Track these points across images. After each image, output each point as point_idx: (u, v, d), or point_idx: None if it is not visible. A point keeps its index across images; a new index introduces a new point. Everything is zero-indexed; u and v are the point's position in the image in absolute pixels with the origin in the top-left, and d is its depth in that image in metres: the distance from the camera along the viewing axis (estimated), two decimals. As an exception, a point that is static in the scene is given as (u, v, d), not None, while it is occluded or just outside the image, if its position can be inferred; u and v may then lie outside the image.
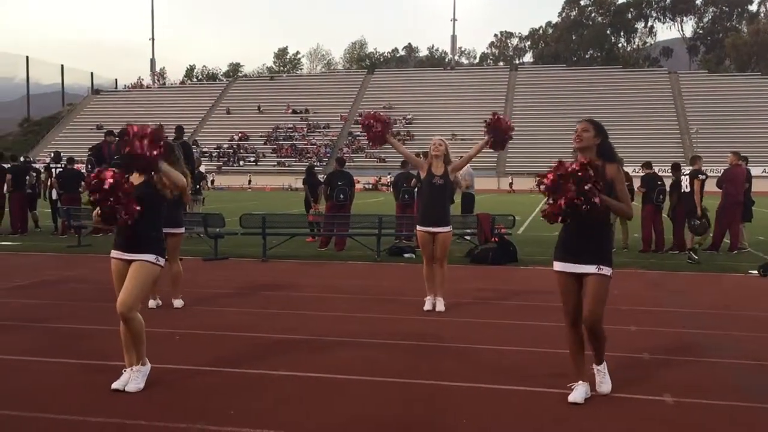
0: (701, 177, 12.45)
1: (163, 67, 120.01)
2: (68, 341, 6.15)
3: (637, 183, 13.70)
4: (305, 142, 70.98)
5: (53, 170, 16.58)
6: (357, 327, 6.77)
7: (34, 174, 16.71)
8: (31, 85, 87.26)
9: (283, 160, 68.36)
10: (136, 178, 4.73)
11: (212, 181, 59.88)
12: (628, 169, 14.30)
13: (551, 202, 4.31)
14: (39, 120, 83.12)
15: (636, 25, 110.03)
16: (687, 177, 12.77)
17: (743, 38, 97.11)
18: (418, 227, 7.51)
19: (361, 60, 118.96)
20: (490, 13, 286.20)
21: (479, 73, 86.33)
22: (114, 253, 4.80)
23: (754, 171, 15.20)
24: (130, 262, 4.72)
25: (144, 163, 4.49)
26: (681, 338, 6.48)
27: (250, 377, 5.08)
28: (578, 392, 4.51)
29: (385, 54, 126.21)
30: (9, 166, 16.33)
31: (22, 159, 17.43)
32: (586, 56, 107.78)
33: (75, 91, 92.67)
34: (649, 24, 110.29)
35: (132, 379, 4.68)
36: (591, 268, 4.45)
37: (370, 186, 59.49)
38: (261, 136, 73.10)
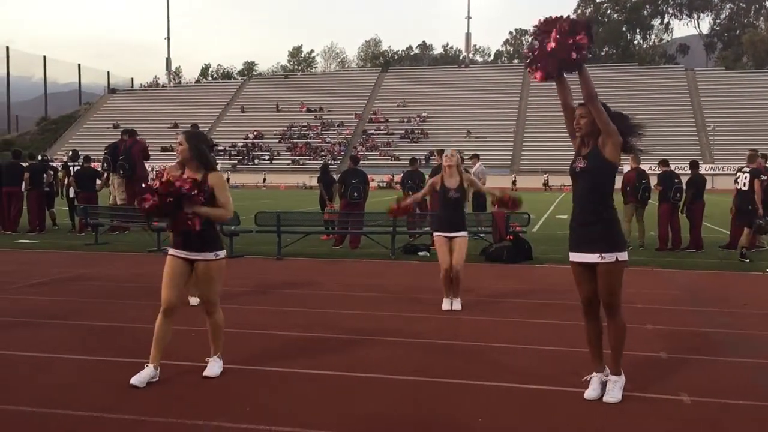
0: (763, 178, 12.23)
1: (179, 66, 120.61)
2: (87, 338, 6.19)
3: (653, 181, 13.60)
4: (319, 141, 71.10)
5: (71, 168, 16.72)
6: (372, 325, 6.77)
7: (52, 172, 16.86)
8: (48, 84, 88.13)
9: (297, 158, 68.51)
10: (193, 176, 4.78)
11: (227, 180, 60.16)
12: (645, 167, 14.24)
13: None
14: (56, 119, 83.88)
15: (652, 22, 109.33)
16: (744, 174, 12.53)
17: (761, 35, 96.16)
18: (435, 233, 7.62)
19: (375, 58, 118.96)
20: (505, 11, 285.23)
21: (494, 71, 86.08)
22: (173, 251, 4.86)
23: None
24: (190, 261, 4.83)
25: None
26: (698, 337, 6.43)
27: (265, 375, 5.09)
28: (593, 386, 4.54)
29: (400, 52, 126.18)
30: (27, 164, 16.49)
31: (39, 157, 17.56)
32: (602, 54, 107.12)
33: (92, 90, 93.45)
34: (666, 21, 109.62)
35: (210, 366, 4.97)
36: (594, 257, 4.43)
37: (385, 184, 59.42)
38: (276, 135, 73.30)
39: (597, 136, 4.47)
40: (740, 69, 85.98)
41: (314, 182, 18.03)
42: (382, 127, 72.31)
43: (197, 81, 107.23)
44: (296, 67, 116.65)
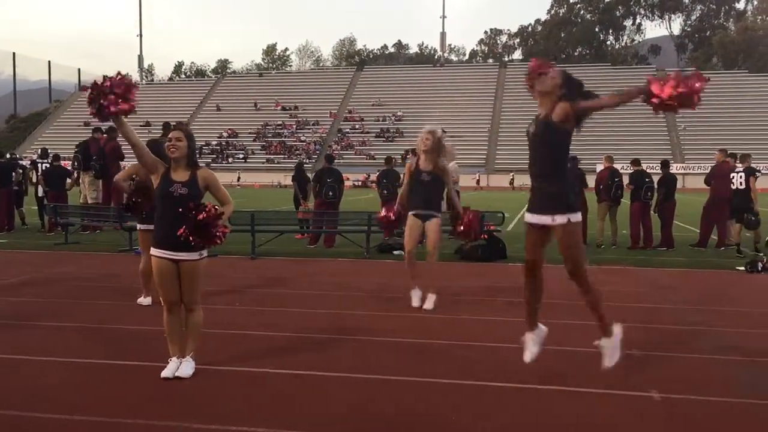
0: (757, 174, 12.79)
1: (152, 64, 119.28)
2: (57, 340, 6.10)
3: (626, 180, 13.77)
4: (294, 139, 70.84)
5: (39, 166, 16.45)
6: (346, 324, 6.75)
7: (21, 171, 16.58)
8: (18, 81, 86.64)
9: (272, 157, 68.20)
10: (179, 174, 4.85)
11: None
12: (617, 166, 14.40)
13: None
14: (26, 116, 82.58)
15: (624, 23, 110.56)
16: (739, 174, 12.91)
17: (730, 36, 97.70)
18: (409, 213, 7.41)
19: (351, 57, 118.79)
20: (480, 11, 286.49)
21: (469, 71, 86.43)
22: (156, 252, 4.89)
23: (741, 168, 15.24)
24: (175, 261, 4.85)
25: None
26: (669, 334, 6.51)
27: (239, 375, 5.05)
28: (528, 347, 4.91)
29: (375, 51, 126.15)
30: (-5, 162, 16.19)
31: (8, 156, 17.27)
32: (575, 54, 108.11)
33: (62, 88, 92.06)
34: (638, 21, 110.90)
35: (184, 365, 4.94)
36: (547, 219, 4.70)
37: (360, 183, 59.42)
38: (250, 133, 72.90)
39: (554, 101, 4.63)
40: (710, 70, 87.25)
41: (289, 181, 17.96)
42: (357, 126, 72.27)
43: (170, 79, 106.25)
44: (271, 65, 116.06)
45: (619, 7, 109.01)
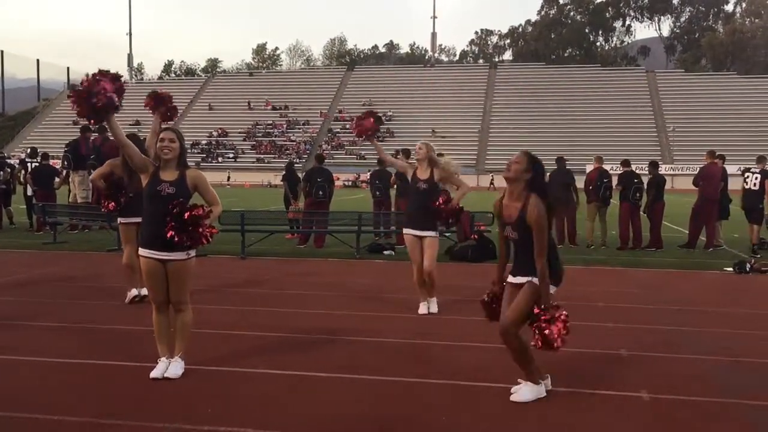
0: None
1: (141, 63, 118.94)
2: (45, 339, 6.07)
3: (615, 181, 13.82)
4: (285, 139, 70.71)
5: (29, 165, 16.34)
6: (335, 324, 6.75)
7: (9, 170, 16.46)
8: (6, 79, 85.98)
9: (262, 156, 68.05)
10: (167, 174, 4.84)
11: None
12: (606, 167, 14.46)
13: None
14: (14, 115, 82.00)
15: (614, 24, 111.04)
16: (755, 175, 13.16)
17: (719, 38, 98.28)
18: (404, 230, 7.41)
19: (341, 56, 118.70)
20: (470, 11, 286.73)
21: (459, 71, 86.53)
22: (145, 252, 4.86)
23: (730, 169, 15.35)
24: (162, 261, 4.83)
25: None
26: (658, 335, 6.54)
27: (228, 375, 5.04)
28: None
29: (365, 51, 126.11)
30: (-18, 161, 16.07)
31: (-4, 154, 17.14)
32: (565, 54, 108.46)
33: (51, 86, 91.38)
34: (627, 23, 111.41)
35: (173, 366, 4.92)
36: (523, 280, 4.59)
37: (350, 183, 59.40)
38: (240, 133, 72.72)
39: (526, 189, 4.54)
40: (699, 71, 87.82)
41: (279, 181, 17.92)
42: (347, 126, 72.15)
43: (160, 78, 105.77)
44: (261, 64, 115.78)
45: (609, 9, 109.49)
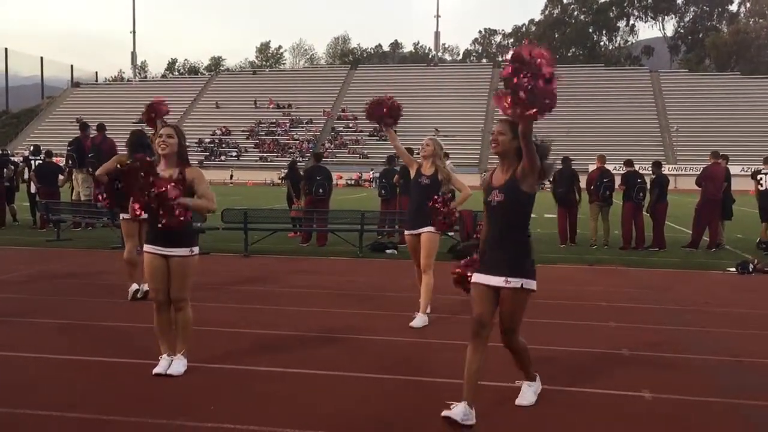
0: None
1: (145, 61, 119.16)
2: (48, 336, 6.09)
3: (618, 181, 13.82)
4: (288, 138, 70.72)
5: (32, 162, 16.37)
6: (337, 323, 6.76)
7: (12, 167, 16.49)
8: (9, 76, 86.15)
9: (265, 155, 68.07)
10: (167, 171, 4.83)
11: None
12: (609, 167, 14.46)
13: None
14: (17, 112, 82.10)
15: (618, 24, 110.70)
16: (766, 176, 13.47)
17: (723, 38, 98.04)
18: (405, 232, 7.17)
19: (345, 55, 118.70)
20: (474, 10, 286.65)
21: (462, 70, 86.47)
22: (148, 248, 4.89)
23: (733, 170, 15.37)
24: (165, 256, 4.84)
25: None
26: (660, 334, 6.54)
27: (230, 373, 5.05)
28: (456, 411, 4.08)
29: (369, 50, 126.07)
30: (-14, 159, 16.10)
31: (-1, 152, 17.19)
32: (569, 54, 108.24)
33: (54, 84, 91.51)
34: (631, 23, 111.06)
35: (175, 364, 4.93)
36: (500, 281, 4.17)
37: (353, 182, 59.42)
38: (243, 131, 72.76)
39: (518, 159, 4.19)
40: (703, 71, 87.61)
41: (279, 179, 17.98)
42: (350, 125, 72.19)
43: (163, 76, 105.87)
44: (264, 63, 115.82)
45: (613, 8, 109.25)
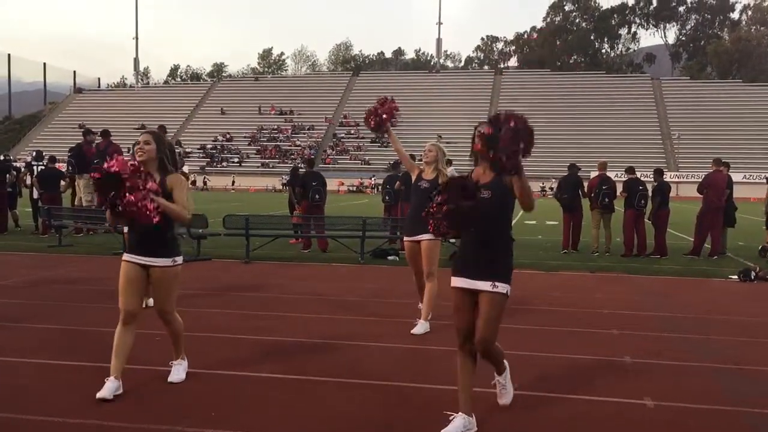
0: None
1: (147, 67, 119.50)
2: (50, 342, 6.08)
3: (620, 188, 13.83)
4: (289, 144, 70.82)
5: (34, 168, 16.41)
6: (338, 329, 6.75)
7: (15, 173, 16.51)
8: (12, 82, 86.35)
9: (267, 161, 68.16)
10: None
11: (205, 182, 59.68)
12: (611, 174, 14.47)
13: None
14: (20, 118, 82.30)
15: (619, 31, 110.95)
16: None
17: (725, 45, 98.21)
18: (404, 238, 7.09)
19: (346, 62, 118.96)
20: (476, 17, 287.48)
21: (464, 77, 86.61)
22: (127, 257, 4.64)
23: (736, 177, 15.37)
24: (145, 266, 4.61)
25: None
26: (662, 342, 6.52)
27: (231, 379, 5.04)
28: (455, 424, 4.02)
29: (371, 56, 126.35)
30: (-11, 164, 16.13)
31: (2, 157, 17.23)
32: (570, 61, 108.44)
33: (57, 90, 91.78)
34: (633, 30, 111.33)
35: (174, 372, 4.90)
36: (486, 285, 4.00)
37: (354, 188, 59.45)
38: (245, 137, 72.88)
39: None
40: (705, 79, 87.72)
41: (280, 185, 17.97)
42: (352, 131, 72.30)
43: (166, 82, 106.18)
44: (266, 69, 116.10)
45: (615, 16, 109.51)
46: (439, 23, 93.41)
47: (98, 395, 4.45)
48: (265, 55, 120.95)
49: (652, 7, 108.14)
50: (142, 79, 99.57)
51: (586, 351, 6.02)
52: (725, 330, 7.10)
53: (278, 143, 71.07)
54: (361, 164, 65.09)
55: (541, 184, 52.95)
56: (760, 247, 13.72)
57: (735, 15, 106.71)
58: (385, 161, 57.02)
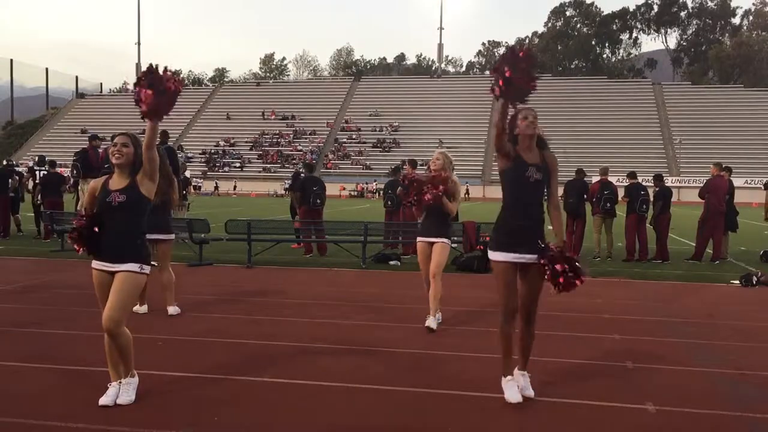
0: None
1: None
2: (51, 347, 6.09)
3: (621, 193, 13.85)
4: (291, 149, 70.90)
5: (37, 173, 16.44)
6: (341, 334, 6.76)
7: (17, 177, 16.56)
8: (15, 87, 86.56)
9: (268, 166, 68.22)
10: (117, 182, 4.58)
11: (215, 187, 59.72)
12: (613, 179, 14.49)
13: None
14: (22, 123, 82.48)
15: (621, 37, 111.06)
16: None
17: (726, 50, 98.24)
18: (418, 238, 7.25)
19: (348, 67, 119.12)
20: (478, 23, 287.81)
21: (465, 82, 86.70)
22: (95, 264, 4.52)
23: (737, 182, 15.38)
24: (113, 273, 4.46)
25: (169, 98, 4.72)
26: (664, 347, 6.52)
27: (234, 383, 5.05)
28: (511, 390, 4.65)
29: (372, 61, 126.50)
30: (-8, 169, 16.18)
31: (4, 162, 17.26)
32: (572, 66, 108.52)
33: (59, 95, 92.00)
34: (634, 35, 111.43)
35: (122, 392, 4.52)
36: (533, 258, 4.51)
37: (356, 193, 59.49)
38: (247, 142, 72.95)
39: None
40: (706, 84, 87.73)
41: (282, 190, 18.02)
42: (354, 136, 72.39)
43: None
44: (268, 74, 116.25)
45: (616, 21, 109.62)
46: (441, 28, 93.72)
47: (101, 402, 4.46)
48: (267, 60, 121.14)
49: (653, 13, 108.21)
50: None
51: (587, 356, 6.03)
52: (727, 335, 7.10)
53: (280, 148, 71.15)
54: (363, 169, 65.15)
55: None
56: (761, 252, 13.73)
57: (736, 20, 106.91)
58: (386, 166, 57.03)
